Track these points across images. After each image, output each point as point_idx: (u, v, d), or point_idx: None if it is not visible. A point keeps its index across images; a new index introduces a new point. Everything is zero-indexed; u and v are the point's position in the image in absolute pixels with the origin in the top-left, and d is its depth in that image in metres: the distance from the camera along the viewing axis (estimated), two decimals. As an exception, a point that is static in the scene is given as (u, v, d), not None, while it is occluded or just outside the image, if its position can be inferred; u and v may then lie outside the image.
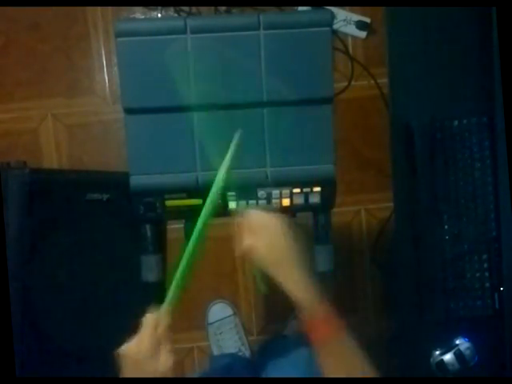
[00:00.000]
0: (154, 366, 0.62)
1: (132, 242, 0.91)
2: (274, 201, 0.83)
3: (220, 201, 0.73)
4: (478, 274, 0.94)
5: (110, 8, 1.60)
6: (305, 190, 0.83)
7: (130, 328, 0.64)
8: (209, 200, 0.71)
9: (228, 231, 1.78)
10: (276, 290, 1.72)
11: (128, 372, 0.63)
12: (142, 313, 0.65)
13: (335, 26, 1.57)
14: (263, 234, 0.68)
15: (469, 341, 0.95)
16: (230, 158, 0.73)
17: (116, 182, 1.18)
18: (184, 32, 0.78)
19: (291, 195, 0.83)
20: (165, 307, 0.66)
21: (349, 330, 0.68)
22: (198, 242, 0.69)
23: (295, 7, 1.54)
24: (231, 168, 0.72)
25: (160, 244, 0.88)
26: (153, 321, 0.63)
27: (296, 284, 0.67)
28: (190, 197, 0.82)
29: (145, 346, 0.62)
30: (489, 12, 0.88)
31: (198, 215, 0.72)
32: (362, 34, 1.61)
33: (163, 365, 0.62)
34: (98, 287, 1.30)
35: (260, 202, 0.83)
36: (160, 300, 0.67)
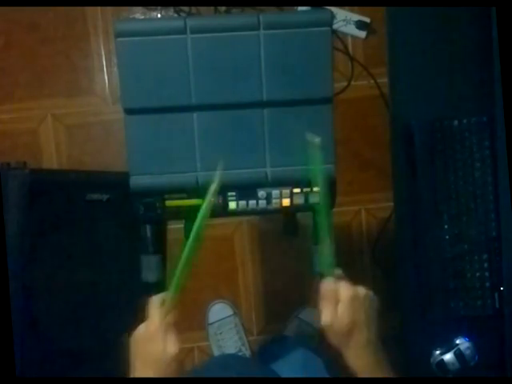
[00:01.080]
0: (163, 350, 0.64)
1: (132, 242, 0.91)
2: (273, 201, 0.83)
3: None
4: (478, 274, 0.94)
5: (109, 8, 1.60)
6: (305, 190, 0.82)
7: (137, 310, 0.68)
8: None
9: (228, 231, 1.78)
10: (275, 291, 1.70)
11: (138, 356, 0.66)
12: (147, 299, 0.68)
13: (335, 26, 1.57)
14: (346, 309, 0.66)
15: (469, 340, 0.95)
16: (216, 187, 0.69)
17: (116, 182, 1.18)
18: (184, 32, 0.78)
19: (291, 195, 0.83)
20: (169, 295, 0.67)
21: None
22: (199, 232, 0.68)
23: (295, 7, 1.54)
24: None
25: (160, 244, 0.88)
26: (159, 303, 0.66)
27: (365, 367, 0.67)
28: (190, 197, 0.82)
29: (154, 327, 0.65)
30: (489, 12, 0.88)
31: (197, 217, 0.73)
32: (362, 34, 1.61)
33: (170, 352, 0.64)
34: (98, 287, 1.31)
35: (260, 202, 0.83)
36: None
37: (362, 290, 0.68)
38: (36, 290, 1.16)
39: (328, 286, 0.68)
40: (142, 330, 0.67)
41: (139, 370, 0.66)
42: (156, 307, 0.67)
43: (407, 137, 0.94)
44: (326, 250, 0.70)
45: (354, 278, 0.72)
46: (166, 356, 0.64)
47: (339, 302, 0.66)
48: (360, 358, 0.67)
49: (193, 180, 0.81)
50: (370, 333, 0.67)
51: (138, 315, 0.68)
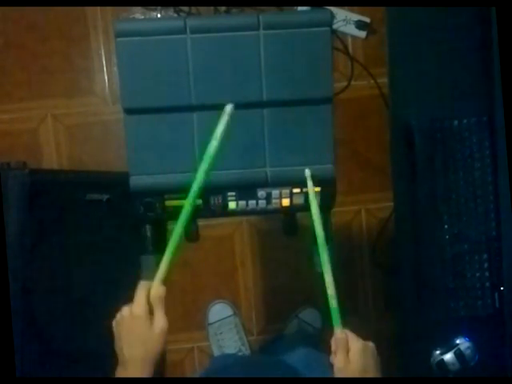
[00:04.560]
0: (149, 328, 0.65)
1: (132, 242, 0.91)
2: (273, 201, 0.83)
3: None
4: (478, 274, 0.94)
5: (109, 8, 1.60)
6: (305, 190, 0.82)
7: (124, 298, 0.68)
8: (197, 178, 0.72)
9: (228, 231, 1.78)
10: (275, 291, 1.70)
11: (123, 339, 0.66)
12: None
13: (335, 26, 1.57)
14: (358, 356, 0.71)
15: (469, 340, 0.95)
16: (222, 129, 0.72)
17: (116, 182, 1.18)
18: (184, 32, 0.78)
19: (291, 195, 0.83)
20: (157, 278, 0.69)
21: None
22: (185, 221, 0.71)
23: (295, 7, 1.54)
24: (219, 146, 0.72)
25: (160, 244, 0.88)
26: (146, 286, 0.68)
27: None
28: (189, 197, 0.82)
29: (139, 308, 0.66)
30: (489, 12, 0.88)
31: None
32: (362, 34, 1.61)
33: (158, 327, 0.65)
34: (98, 287, 1.31)
35: (260, 202, 0.83)
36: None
37: (371, 345, 0.74)
38: (36, 290, 1.16)
39: (340, 335, 0.73)
40: (125, 311, 0.67)
41: (127, 351, 0.66)
42: (142, 291, 0.67)
43: (407, 137, 0.94)
44: (333, 304, 0.75)
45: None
46: (154, 331, 0.65)
47: (350, 350, 0.71)
48: None
49: (193, 180, 0.81)
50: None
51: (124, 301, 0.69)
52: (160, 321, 0.66)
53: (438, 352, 0.95)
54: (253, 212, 0.84)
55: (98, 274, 1.31)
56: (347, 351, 0.71)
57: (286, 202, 0.83)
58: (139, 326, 0.65)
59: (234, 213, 0.83)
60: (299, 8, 1.53)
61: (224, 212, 0.83)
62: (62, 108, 1.63)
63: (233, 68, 0.79)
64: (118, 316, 0.68)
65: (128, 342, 0.66)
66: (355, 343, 0.72)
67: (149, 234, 0.86)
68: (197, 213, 0.83)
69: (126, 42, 0.78)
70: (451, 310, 0.94)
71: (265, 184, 0.82)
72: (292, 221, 1.55)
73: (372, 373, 0.71)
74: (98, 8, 1.60)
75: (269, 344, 1.62)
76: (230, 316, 1.65)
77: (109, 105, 1.63)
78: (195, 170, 0.81)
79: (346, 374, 0.71)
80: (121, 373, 0.67)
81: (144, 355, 0.66)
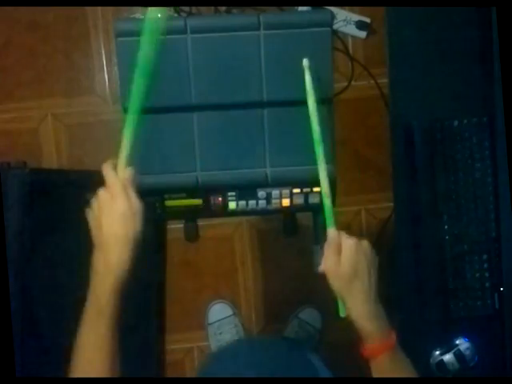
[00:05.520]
0: (129, 207, 0.65)
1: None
2: (273, 201, 0.83)
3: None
4: (477, 274, 0.94)
5: (109, 8, 1.60)
6: (305, 190, 0.82)
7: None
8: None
9: (228, 231, 1.77)
10: (275, 291, 1.70)
11: (103, 219, 0.65)
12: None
13: (335, 26, 1.58)
14: (349, 257, 0.69)
15: (469, 341, 0.95)
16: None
17: (116, 182, 1.18)
18: (184, 32, 0.78)
19: (291, 195, 0.83)
20: (121, 159, 0.68)
21: (401, 350, 0.73)
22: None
23: (295, 7, 1.54)
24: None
25: (160, 244, 0.88)
26: (112, 167, 0.68)
27: (364, 315, 0.69)
28: (189, 197, 0.82)
29: (116, 187, 0.65)
30: (489, 12, 0.88)
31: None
32: (362, 34, 1.61)
33: (134, 207, 0.65)
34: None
35: (260, 202, 0.83)
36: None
37: (365, 243, 0.71)
38: (36, 290, 1.16)
39: (333, 234, 0.71)
40: (102, 194, 0.66)
41: (107, 230, 0.65)
42: (110, 171, 0.67)
43: (407, 137, 0.94)
44: (327, 203, 0.74)
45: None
46: (132, 210, 0.65)
47: (342, 252, 0.69)
48: (360, 305, 0.69)
49: (193, 180, 0.81)
50: (370, 283, 0.69)
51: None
52: (135, 202, 0.66)
53: (437, 352, 0.95)
54: (253, 212, 0.84)
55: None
56: (338, 253, 0.69)
57: (286, 202, 0.83)
58: (120, 204, 0.65)
59: (234, 213, 0.83)
60: (299, 8, 1.53)
61: (224, 212, 0.83)
62: (62, 108, 1.63)
63: (233, 68, 0.79)
64: (94, 201, 0.67)
65: (109, 222, 0.65)
66: (348, 242, 0.69)
67: (149, 233, 0.86)
68: (197, 213, 0.84)
69: (126, 41, 0.78)
70: (451, 310, 0.94)
71: (265, 184, 0.82)
72: (292, 221, 1.55)
73: (363, 275, 0.68)
74: (99, 8, 1.60)
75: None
76: (229, 316, 1.65)
77: (109, 104, 1.63)
78: (195, 170, 0.81)
79: (335, 278, 0.68)
80: (98, 257, 0.66)
81: (124, 233, 0.65)
